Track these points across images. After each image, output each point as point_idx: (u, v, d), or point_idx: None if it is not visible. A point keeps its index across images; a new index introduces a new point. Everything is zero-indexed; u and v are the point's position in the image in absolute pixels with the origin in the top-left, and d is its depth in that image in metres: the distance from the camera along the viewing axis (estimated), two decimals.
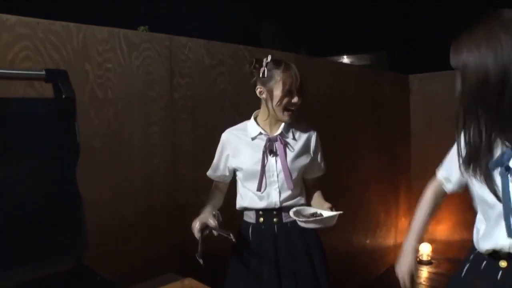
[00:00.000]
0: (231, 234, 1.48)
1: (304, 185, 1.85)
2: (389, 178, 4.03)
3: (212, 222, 1.56)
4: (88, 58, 1.76)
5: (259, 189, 1.70)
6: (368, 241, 3.71)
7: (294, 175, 1.74)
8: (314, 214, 1.66)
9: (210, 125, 2.14)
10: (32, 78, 1.29)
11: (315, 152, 1.83)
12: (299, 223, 1.60)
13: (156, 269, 1.83)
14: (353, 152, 3.47)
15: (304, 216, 1.64)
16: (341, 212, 1.59)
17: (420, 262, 4.11)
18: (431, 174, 4.27)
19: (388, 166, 4.00)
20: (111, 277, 1.19)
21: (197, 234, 1.55)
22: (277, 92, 1.65)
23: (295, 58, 2.74)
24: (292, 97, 1.67)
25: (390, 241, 4.07)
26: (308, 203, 1.81)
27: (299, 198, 1.78)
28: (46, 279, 1.10)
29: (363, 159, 3.61)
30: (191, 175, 2.11)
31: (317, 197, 1.82)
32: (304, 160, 1.78)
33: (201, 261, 1.44)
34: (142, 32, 1.92)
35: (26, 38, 1.56)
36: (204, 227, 1.57)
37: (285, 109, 1.68)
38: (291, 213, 1.65)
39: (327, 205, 1.68)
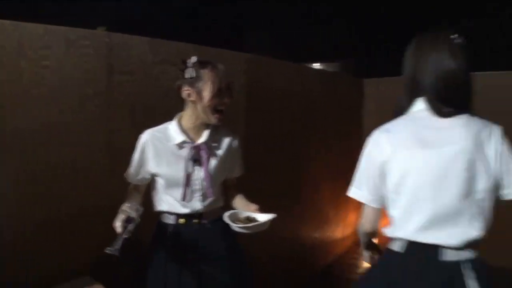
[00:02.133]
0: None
1: (223, 184, 1.86)
2: (341, 175, 4.11)
3: (134, 213, 1.50)
4: (24, 56, 1.71)
5: (183, 199, 1.69)
6: (317, 235, 3.79)
7: (217, 182, 1.77)
8: (248, 218, 1.66)
9: (152, 124, 2.11)
10: None
11: (236, 156, 1.85)
12: (235, 228, 1.59)
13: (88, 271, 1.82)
14: (308, 150, 3.53)
15: (239, 220, 1.64)
16: (275, 215, 1.60)
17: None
18: None
19: (341, 163, 4.08)
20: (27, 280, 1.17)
21: (118, 226, 1.46)
22: (206, 93, 1.63)
23: (247, 58, 2.74)
24: (222, 97, 1.66)
25: (338, 234, 4.19)
26: (228, 203, 1.82)
27: (219, 200, 1.81)
28: None
29: (317, 156, 3.68)
30: None
31: (241, 198, 1.82)
32: (227, 165, 1.80)
33: (116, 252, 1.36)
34: (81, 29, 1.86)
35: None
36: (127, 219, 1.49)
37: (215, 110, 1.66)
38: (225, 218, 1.62)
39: (254, 206, 1.68)
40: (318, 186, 3.73)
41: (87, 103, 1.92)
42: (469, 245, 1.28)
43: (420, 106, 1.38)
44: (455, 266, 1.28)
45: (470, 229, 1.27)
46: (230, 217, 1.64)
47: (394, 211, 1.38)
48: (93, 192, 1.98)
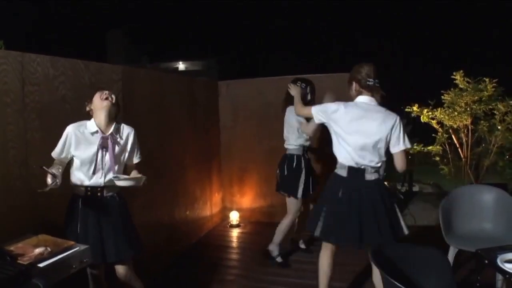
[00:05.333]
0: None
1: (126, 170, 2.63)
2: (204, 162, 5.01)
3: (56, 171, 2.23)
4: None
5: (93, 173, 2.44)
6: (188, 213, 4.60)
7: (118, 164, 2.54)
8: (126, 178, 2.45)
9: (55, 123, 2.70)
10: None
11: (133, 145, 2.63)
12: (115, 181, 2.37)
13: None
14: (174, 142, 4.29)
15: (120, 178, 2.40)
16: (145, 176, 2.44)
17: (231, 226, 5.22)
18: (237, 157, 5.80)
19: (203, 152, 4.97)
20: None
21: (48, 179, 2.19)
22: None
23: (122, 69, 3.45)
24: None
25: (207, 212, 5.07)
26: None
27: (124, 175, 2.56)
28: None
29: (183, 148, 4.47)
30: (41, 164, 2.62)
31: (133, 172, 2.62)
32: (126, 152, 2.60)
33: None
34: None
35: None
36: (53, 175, 2.20)
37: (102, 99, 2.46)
38: (111, 175, 2.43)
39: (136, 173, 2.54)
40: (185, 171, 4.53)
41: (6, 108, 2.47)
42: (376, 170, 2.63)
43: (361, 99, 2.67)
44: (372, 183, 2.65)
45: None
46: (115, 177, 2.41)
47: (341, 150, 2.68)
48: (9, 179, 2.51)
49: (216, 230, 5.21)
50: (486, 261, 2.52)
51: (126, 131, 2.60)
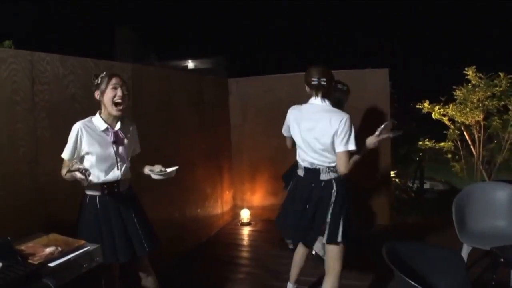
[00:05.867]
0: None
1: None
2: (214, 160, 4.99)
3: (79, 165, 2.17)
4: None
5: (110, 168, 2.43)
6: (198, 211, 4.59)
7: (128, 156, 2.55)
8: (161, 170, 2.52)
9: (64, 122, 2.70)
10: None
11: (137, 137, 2.67)
12: (154, 176, 2.49)
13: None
14: (182, 139, 4.28)
15: (155, 173, 2.49)
16: (177, 167, 2.53)
17: (242, 224, 5.21)
18: (247, 156, 5.78)
19: (214, 151, 4.96)
20: None
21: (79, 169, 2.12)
22: (107, 91, 2.39)
23: (132, 68, 3.44)
24: (116, 93, 2.39)
25: (217, 210, 5.06)
26: (137, 171, 2.66)
27: (129, 172, 2.56)
28: None
29: (191, 145, 4.46)
30: (51, 162, 2.62)
31: (147, 166, 2.64)
32: (133, 145, 2.62)
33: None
34: (9, 48, 2.40)
35: None
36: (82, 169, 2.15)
37: (114, 103, 2.40)
38: (146, 170, 2.56)
39: (159, 166, 2.55)
40: (194, 168, 4.52)
41: (16, 106, 2.47)
42: (332, 170, 2.62)
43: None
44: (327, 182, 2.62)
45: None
46: (150, 170, 2.51)
47: (297, 151, 2.76)
48: (19, 177, 2.52)
49: (226, 228, 5.20)
50: (502, 259, 2.47)
51: (130, 124, 2.62)
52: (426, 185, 6.65)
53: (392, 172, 5.16)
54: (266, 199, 5.35)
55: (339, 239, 2.61)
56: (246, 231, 5.11)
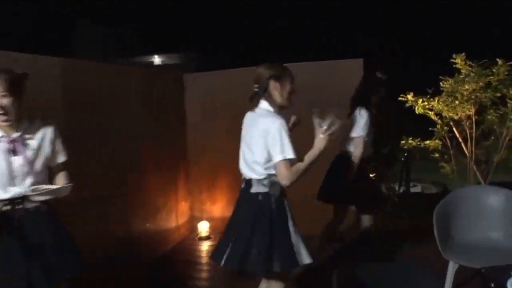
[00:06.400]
0: None
1: (52, 171, 2.15)
2: (167, 165, 4.39)
3: None
4: None
5: (9, 183, 1.97)
6: (148, 225, 3.99)
7: (36, 168, 2.03)
8: (44, 189, 1.95)
9: None
10: None
11: (53, 143, 2.11)
12: (31, 197, 1.92)
13: None
14: (132, 143, 3.74)
15: (39, 191, 1.93)
16: (71, 184, 2.02)
17: (200, 239, 4.61)
18: (207, 159, 5.00)
19: (166, 154, 4.36)
20: None
21: None
22: None
23: (61, 62, 3.02)
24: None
25: (171, 223, 4.45)
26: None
27: (41, 185, 2.02)
28: None
29: (141, 149, 3.90)
30: None
31: (59, 179, 2.15)
32: (44, 153, 2.07)
33: None
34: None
35: None
36: None
37: None
38: (28, 189, 1.94)
39: (64, 181, 2.12)
40: (146, 175, 3.97)
41: None
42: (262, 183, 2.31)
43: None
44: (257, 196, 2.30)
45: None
46: (33, 190, 1.94)
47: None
48: None
49: (183, 243, 4.62)
50: (493, 285, 1.98)
51: (39, 129, 2.09)
52: (417, 188, 6.06)
53: (371, 175, 4.53)
54: (229, 209, 4.68)
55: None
56: (205, 246, 4.54)
